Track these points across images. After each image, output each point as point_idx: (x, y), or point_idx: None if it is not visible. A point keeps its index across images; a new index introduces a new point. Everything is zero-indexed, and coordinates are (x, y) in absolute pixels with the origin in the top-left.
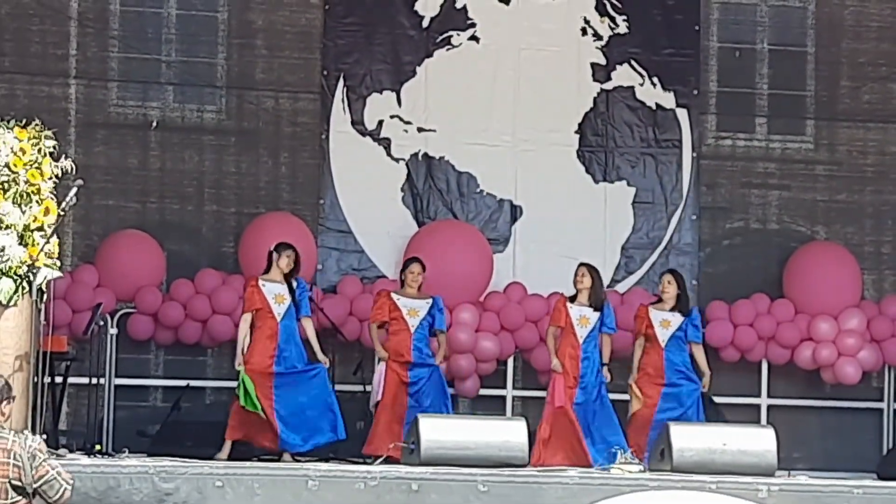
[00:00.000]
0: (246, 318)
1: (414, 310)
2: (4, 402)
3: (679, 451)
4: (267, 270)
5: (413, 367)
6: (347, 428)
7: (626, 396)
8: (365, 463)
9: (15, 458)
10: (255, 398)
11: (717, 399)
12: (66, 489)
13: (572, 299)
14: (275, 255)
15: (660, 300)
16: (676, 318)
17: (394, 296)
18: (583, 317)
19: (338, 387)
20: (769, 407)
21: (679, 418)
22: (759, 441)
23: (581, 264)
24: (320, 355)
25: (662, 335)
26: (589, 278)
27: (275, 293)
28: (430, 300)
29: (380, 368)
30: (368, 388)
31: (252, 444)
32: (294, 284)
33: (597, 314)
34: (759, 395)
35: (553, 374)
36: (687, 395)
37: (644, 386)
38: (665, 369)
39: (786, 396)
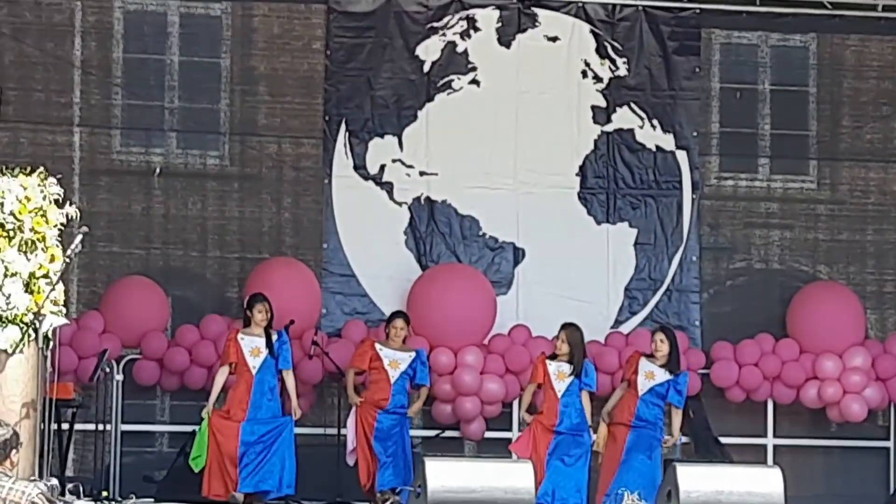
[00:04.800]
0: (222, 371)
1: (395, 361)
2: (13, 451)
3: (686, 493)
4: (247, 324)
5: (384, 412)
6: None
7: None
8: None
9: None
10: (205, 444)
11: (723, 440)
12: None
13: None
14: (248, 309)
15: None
16: (662, 375)
17: (377, 346)
18: (560, 372)
19: (343, 431)
20: (775, 447)
21: (643, 459)
22: (766, 481)
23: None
24: (295, 407)
25: (643, 385)
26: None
27: (252, 346)
28: (413, 353)
29: (352, 418)
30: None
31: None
32: (274, 337)
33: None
34: (765, 436)
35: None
36: (646, 438)
37: (612, 426)
38: (635, 416)
39: (792, 436)
